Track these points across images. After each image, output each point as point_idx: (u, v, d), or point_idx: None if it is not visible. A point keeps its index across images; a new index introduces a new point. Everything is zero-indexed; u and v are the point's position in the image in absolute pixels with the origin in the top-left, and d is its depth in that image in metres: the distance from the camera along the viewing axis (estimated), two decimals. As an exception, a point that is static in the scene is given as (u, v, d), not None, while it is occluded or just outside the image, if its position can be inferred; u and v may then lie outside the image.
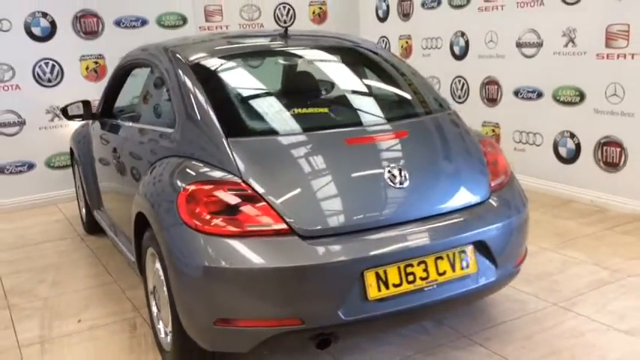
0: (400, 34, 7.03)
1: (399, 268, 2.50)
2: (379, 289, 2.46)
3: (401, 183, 2.64)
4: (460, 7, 6.13)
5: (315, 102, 3.13)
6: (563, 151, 5.35)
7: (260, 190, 2.51)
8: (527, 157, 5.66)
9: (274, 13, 7.11)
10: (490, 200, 2.85)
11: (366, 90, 3.34)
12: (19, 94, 5.88)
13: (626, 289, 3.57)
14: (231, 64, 3.19)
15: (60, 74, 6.06)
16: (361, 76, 3.40)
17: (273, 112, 2.92)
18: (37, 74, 5.97)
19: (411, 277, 2.52)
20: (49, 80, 6.03)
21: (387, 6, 7.17)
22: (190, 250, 2.47)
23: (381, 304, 2.46)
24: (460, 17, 6.16)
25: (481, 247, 2.68)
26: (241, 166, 2.58)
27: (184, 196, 2.54)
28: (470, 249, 2.65)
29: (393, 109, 3.15)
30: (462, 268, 2.63)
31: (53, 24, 5.99)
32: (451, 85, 6.41)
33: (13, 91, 5.88)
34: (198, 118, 2.81)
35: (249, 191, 2.51)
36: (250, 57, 3.35)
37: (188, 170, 2.69)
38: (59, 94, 5.96)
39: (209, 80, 2.99)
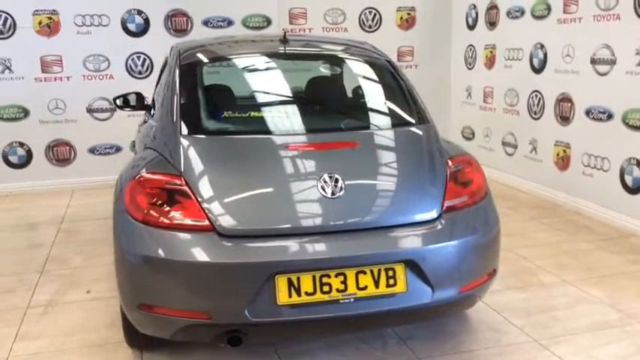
0: (486, 44, 6.76)
1: (314, 277, 2.50)
2: (290, 295, 2.48)
3: (333, 193, 2.64)
4: (541, 17, 5.79)
5: (275, 107, 3.19)
6: (629, 180, 4.87)
7: (193, 186, 2.64)
8: (594, 184, 5.23)
9: (359, 18, 7.15)
10: (439, 220, 2.74)
11: (335, 97, 3.33)
12: (112, 84, 6.48)
13: (626, 336, 3.23)
14: (213, 66, 3.35)
15: (150, 67, 6.60)
16: (338, 83, 3.39)
17: (232, 113, 3.04)
18: (130, 66, 6.57)
19: (326, 288, 2.51)
20: (140, 72, 6.60)
21: (476, 13, 6.93)
22: (125, 236, 2.67)
23: (290, 310, 2.49)
24: (540, 28, 5.81)
25: (414, 267, 2.60)
26: (185, 162, 2.74)
27: (131, 185, 2.74)
28: (399, 267, 2.58)
29: (356, 118, 3.13)
30: (388, 286, 2.57)
31: (147, 21, 6.55)
32: (528, 99, 6.07)
33: (107, 81, 6.51)
34: (168, 114, 3.00)
35: (184, 187, 2.65)
36: (235, 60, 3.48)
37: (143, 162, 2.90)
38: (148, 85, 6.49)
39: (188, 80, 3.17)
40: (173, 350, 3.07)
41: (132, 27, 6.52)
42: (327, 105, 3.29)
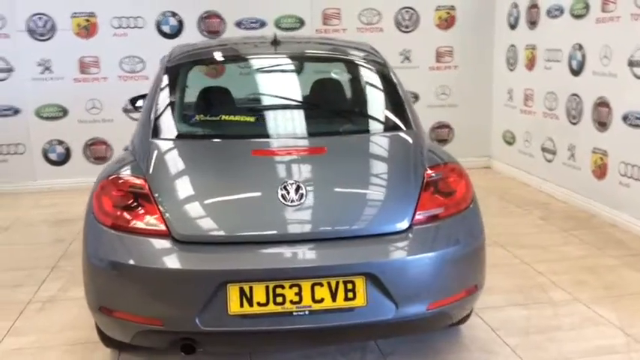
0: (527, 44, 6.45)
1: (267, 287, 2.42)
2: (241, 305, 2.41)
3: (293, 201, 2.54)
4: (580, 17, 5.45)
5: (250, 110, 3.11)
6: (666, 191, 4.51)
7: (155, 190, 2.62)
8: (631, 194, 4.87)
9: (395, 17, 6.98)
10: (408, 232, 2.59)
11: (314, 102, 3.22)
12: (147, 85, 6.50)
13: (627, 363, 2.97)
14: (196, 69, 3.31)
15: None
16: (321, 87, 3.28)
17: (204, 116, 2.99)
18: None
19: (279, 299, 2.43)
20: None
21: (518, 12, 6.62)
22: (89, 237, 2.68)
23: (242, 321, 2.42)
24: (579, 28, 5.48)
25: (375, 281, 2.47)
26: (150, 166, 2.72)
27: (99, 187, 2.75)
28: (359, 280, 2.46)
29: (330, 123, 3.01)
30: (346, 300, 2.45)
31: (181, 23, 6.64)
32: (566, 103, 5.73)
33: (143, 82, 6.61)
34: (144, 117, 3.00)
35: (146, 191, 2.63)
36: (220, 63, 3.43)
37: (116, 165, 2.90)
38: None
39: (167, 83, 3.16)
40: (152, 351, 3.06)
41: (166, 29, 6.63)
42: (304, 109, 3.19)
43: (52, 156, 6.69)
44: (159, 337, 2.54)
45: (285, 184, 2.57)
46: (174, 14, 6.62)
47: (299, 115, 3.16)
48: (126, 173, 2.76)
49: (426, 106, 7.22)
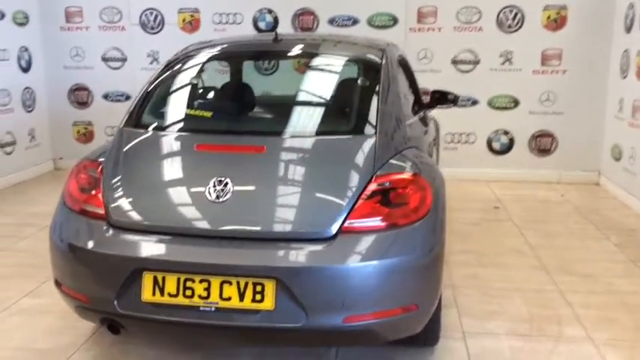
0: (638, 49, 5.71)
1: (178, 279, 2.46)
2: (153, 294, 2.48)
3: (218, 197, 2.55)
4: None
5: (216, 106, 3.11)
6: None
7: (105, 175, 2.77)
8: None
9: (497, 16, 6.55)
10: (333, 239, 2.47)
11: (280, 100, 3.14)
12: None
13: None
14: (189, 65, 3.37)
15: (275, 65, 6.87)
16: (287, 86, 3.18)
17: (170, 109, 3.06)
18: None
19: (189, 292, 2.45)
20: (266, 69, 6.90)
21: (633, 13, 5.88)
22: (55, 215, 2.89)
23: (152, 308, 2.48)
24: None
25: (284, 286, 2.40)
26: (109, 152, 2.88)
27: (71, 170, 2.97)
28: (269, 283, 2.40)
29: (279, 123, 2.92)
30: (254, 301, 2.41)
31: (276, 20, 6.83)
32: (669, 117, 5.01)
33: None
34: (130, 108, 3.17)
35: (98, 175, 2.79)
36: (215, 60, 3.47)
37: (94, 150, 3.09)
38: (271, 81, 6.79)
39: (161, 77, 3.29)
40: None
41: (262, 25, 6.86)
42: (268, 107, 3.15)
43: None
44: (91, 314, 2.69)
45: (215, 180, 2.59)
46: (270, 11, 6.83)
47: (262, 113, 3.14)
48: (94, 157, 2.95)
49: (528, 113, 6.73)
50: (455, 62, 6.72)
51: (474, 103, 6.79)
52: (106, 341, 3.13)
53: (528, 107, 6.71)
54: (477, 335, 3.24)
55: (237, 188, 2.57)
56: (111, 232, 2.60)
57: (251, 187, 2.63)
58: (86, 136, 7.33)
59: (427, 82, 6.27)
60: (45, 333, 3.25)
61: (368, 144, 2.76)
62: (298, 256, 2.45)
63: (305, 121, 3.01)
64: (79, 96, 7.27)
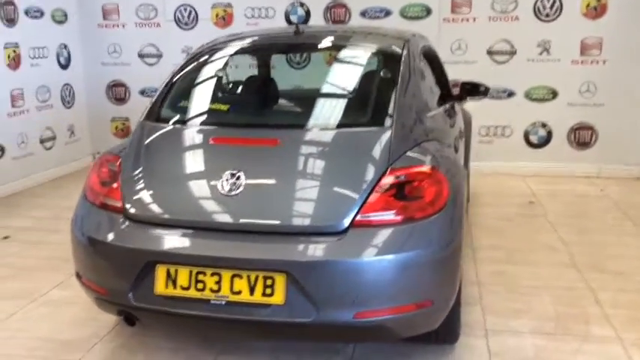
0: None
1: (190, 272, 2.48)
2: (166, 286, 2.50)
3: (230, 191, 2.55)
4: None
5: (234, 99, 3.11)
6: None
7: (123, 169, 2.81)
8: None
9: (534, 5, 6.36)
10: (345, 233, 2.44)
11: (300, 93, 3.11)
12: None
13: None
14: (207, 60, 3.37)
15: (307, 59, 6.84)
16: (312, 77, 3.15)
17: (188, 102, 3.09)
18: (289, 58, 6.89)
19: (200, 285, 2.47)
20: (298, 63, 6.88)
21: (678, 0, 5.63)
22: (76, 207, 2.94)
23: (165, 301, 2.51)
24: None
25: (295, 280, 2.38)
26: (129, 146, 2.92)
27: (94, 163, 3.02)
28: (280, 277, 2.40)
29: (295, 116, 2.90)
30: (264, 295, 2.41)
31: (308, 13, 6.81)
32: None
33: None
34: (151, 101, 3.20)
35: (117, 169, 2.83)
36: (235, 54, 3.46)
37: (118, 144, 3.14)
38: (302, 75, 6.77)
39: (184, 70, 3.31)
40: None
41: (294, 18, 6.84)
42: (285, 100, 3.13)
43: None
44: (108, 306, 2.74)
45: (227, 173, 2.59)
46: (302, 4, 6.81)
47: (271, 106, 3.12)
48: (115, 151, 3.00)
49: (566, 104, 6.52)
50: (490, 53, 6.56)
51: (510, 94, 6.63)
52: (127, 333, 3.18)
53: (567, 99, 6.51)
54: (499, 333, 3.16)
55: (249, 181, 2.56)
56: (127, 224, 2.64)
57: (263, 181, 2.63)
58: (124, 132, 7.46)
59: (461, 74, 6.15)
60: (70, 324, 3.33)
61: (383, 136, 2.72)
62: (308, 250, 2.44)
63: (321, 113, 2.98)
64: (117, 92, 7.41)
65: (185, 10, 7.02)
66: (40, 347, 3.11)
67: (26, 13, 6.28)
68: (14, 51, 6.11)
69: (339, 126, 2.84)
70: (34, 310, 3.52)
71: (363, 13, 6.70)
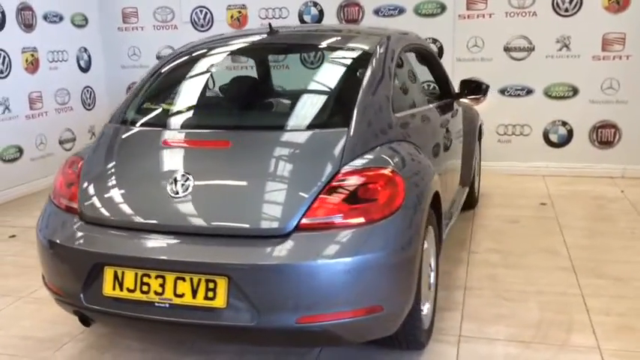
0: None
1: (136, 274, 2.48)
2: (114, 288, 2.51)
3: (177, 193, 2.54)
4: None
5: (195, 101, 3.08)
6: None
7: (83, 170, 2.84)
8: None
9: (553, 0, 6.14)
10: (289, 236, 2.39)
11: (261, 94, 3.06)
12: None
13: None
14: (174, 64, 3.35)
15: (321, 57, 6.80)
16: (282, 80, 3.10)
17: (150, 104, 3.09)
18: (303, 57, 6.87)
19: (145, 288, 2.47)
20: (312, 62, 6.84)
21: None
22: (43, 210, 2.99)
23: (112, 303, 2.52)
24: None
25: (236, 284, 2.35)
26: (91, 148, 2.95)
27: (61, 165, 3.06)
28: (222, 281, 2.37)
29: (248, 117, 2.85)
30: (206, 298, 2.39)
31: (321, 12, 6.77)
32: None
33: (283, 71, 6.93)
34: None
35: (78, 170, 2.86)
36: (205, 56, 3.44)
37: (87, 146, 3.17)
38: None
39: (152, 73, 3.32)
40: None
41: (307, 18, 6.81)
42: (242, 101, 3.08)
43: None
44: (66, 306, 2.76)
45: (177, 175, 2.58)
46: (315, 4, 6.77)
47: (227, 108, 3.09)
48: (81, 153, 3.03)
49: (588, 101, 6.28)
50: (507, 50, 6.37)
51: (529, 92, 6.42)
52: (99, 332, 3.21)
53: (589, 96, 6.26)
54: (473, 340, 3.04)
55: (197, 184, 2.55)
56: (78, 226, 2.66)
57: (211, 183, 2.60)
58: (144, 132, 7.59)
59: (478, 71, 6.05)
60: (48, 322, 3.39)
61: (337, 138, 2.64)
62: (249, 253, 2.40)
63: (278, 115, 2.95)
64: (138, 94, 7.54)
65: (201, 12, 7.09)
66: (15, 345, 3.17)
67: (45, 18, 6.47)
68: (32, 55, 6.29)
69: (296, 128, 2.79)
70: (20, 306, 3.61)
71: (377, 12, 6.61)
